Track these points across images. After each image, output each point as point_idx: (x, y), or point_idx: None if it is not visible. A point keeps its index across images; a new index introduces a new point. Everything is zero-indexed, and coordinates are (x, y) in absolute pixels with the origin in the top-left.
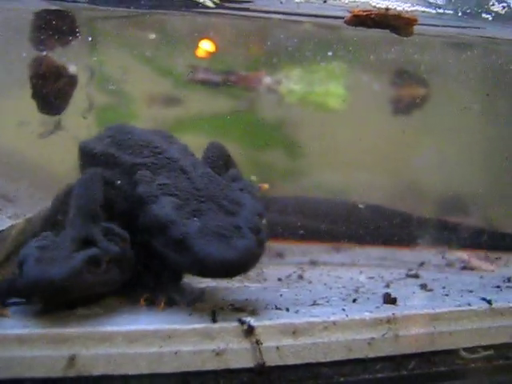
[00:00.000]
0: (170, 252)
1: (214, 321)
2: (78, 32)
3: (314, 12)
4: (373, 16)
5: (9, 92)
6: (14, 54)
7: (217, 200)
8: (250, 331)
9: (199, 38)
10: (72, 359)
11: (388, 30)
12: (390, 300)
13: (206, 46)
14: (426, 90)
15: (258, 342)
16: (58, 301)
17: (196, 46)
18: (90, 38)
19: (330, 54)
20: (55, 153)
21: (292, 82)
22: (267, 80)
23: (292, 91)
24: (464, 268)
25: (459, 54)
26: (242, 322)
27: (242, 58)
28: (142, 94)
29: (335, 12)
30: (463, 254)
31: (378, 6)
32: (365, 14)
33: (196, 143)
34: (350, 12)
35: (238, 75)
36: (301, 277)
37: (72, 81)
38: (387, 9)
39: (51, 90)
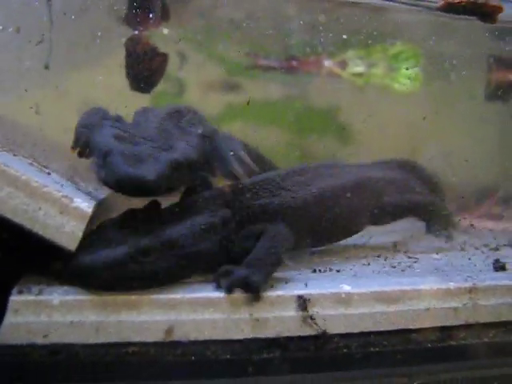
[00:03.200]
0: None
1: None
2: (169, 13)
3: None
4: (463, 3)
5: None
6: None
7: (152, 140)
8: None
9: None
10: (181, 324)
11: (475, 17)
12: (499, 267)
13: None
14: None
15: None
16: None
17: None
18: None
19: (403, 34)
20: None
21: (359, 64)
22: (329, 64)
23: (359, 74)
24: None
25: None
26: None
27: (303, 41)
28: (198, 80)
29: None
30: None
31: None
32: (456, 1)
33: (247, 129)
34: None
35: (299, 60)
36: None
37: (164, 60)
38: None
39: (146, 69)
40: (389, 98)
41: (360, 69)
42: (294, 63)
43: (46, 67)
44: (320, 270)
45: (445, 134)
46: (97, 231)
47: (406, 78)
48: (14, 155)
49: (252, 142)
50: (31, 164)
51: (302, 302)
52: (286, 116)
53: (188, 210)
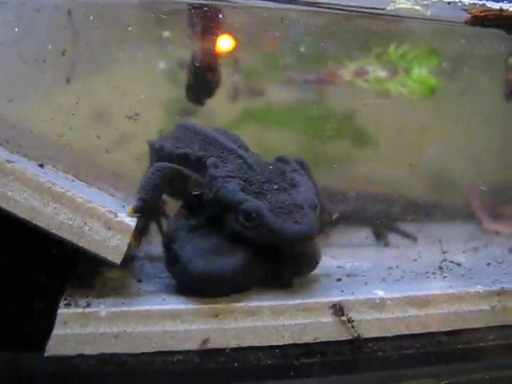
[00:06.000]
0: (240, 227)
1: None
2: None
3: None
4: (489, 16)
5: None
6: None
7: (275, 182)
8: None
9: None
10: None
11: (502, 30)
12: None
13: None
14: None
15: None
16: None
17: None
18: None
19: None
20: None
21: (375, 72)
22: (344, 73)
23: (375, 81)
24: None
25: None
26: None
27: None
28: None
29: None
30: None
31: (493, 6)
32: (482, 14)
33: (263, 133)
34: (469, 13)
35: (327, 72)
36: None
37: (220, 71)
38: (501, 9)
39: (208, 81)
40: (404, 101)
41: (373, 75)
42: (324, 75)
43: (68, 81)
44: (349, 275)
45: (462, 136)
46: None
47: (415, 79)
48: (56, 170)
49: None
50: (72, 179)
51: (339, 308)
52: (304, 120)
53: None
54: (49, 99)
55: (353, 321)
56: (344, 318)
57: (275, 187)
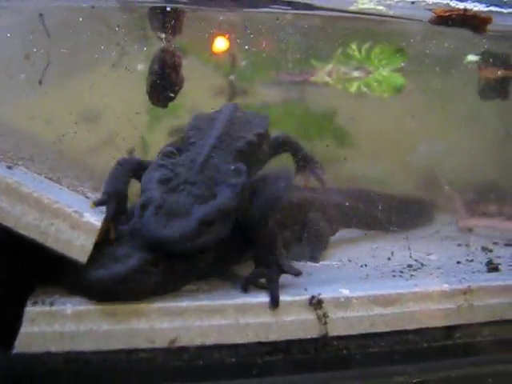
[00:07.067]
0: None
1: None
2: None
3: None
4: (453, 16)
5: None
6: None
7: (195, 184)
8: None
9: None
10: (188, 330)
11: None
12: (492, 268)
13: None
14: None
15: None
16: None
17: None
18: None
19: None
20: None
21: (344, 72)
22: (318, 73)
23: (345, 81)
24: None
25: None
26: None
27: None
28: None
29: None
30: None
31: (457, 6)
32: (446, 14)
33: None
34: (434, 12)
35: (311, 72)
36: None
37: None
38: (465, 9)
39: (171, 82)
40: (374, 100)
41: (346, 76)
42: (307, 76)
43: (40, 82)
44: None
45: (438, 134)
46: (103, 244)
47: (380, 78)
48: (26, 169)
49: None
50: (42, 180)
51: (317, 302)
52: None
53: None
54: (26, 101)
55: (327, 316)
56: (319, 313)
57: (186, 188)
